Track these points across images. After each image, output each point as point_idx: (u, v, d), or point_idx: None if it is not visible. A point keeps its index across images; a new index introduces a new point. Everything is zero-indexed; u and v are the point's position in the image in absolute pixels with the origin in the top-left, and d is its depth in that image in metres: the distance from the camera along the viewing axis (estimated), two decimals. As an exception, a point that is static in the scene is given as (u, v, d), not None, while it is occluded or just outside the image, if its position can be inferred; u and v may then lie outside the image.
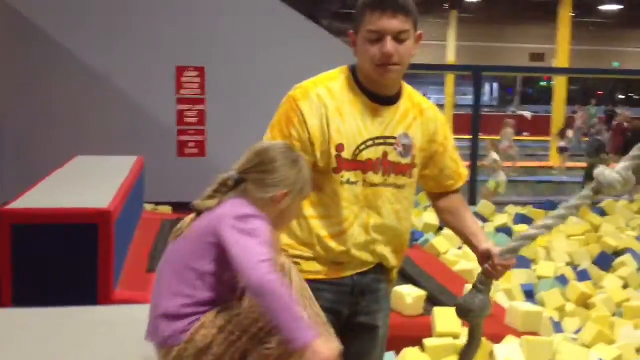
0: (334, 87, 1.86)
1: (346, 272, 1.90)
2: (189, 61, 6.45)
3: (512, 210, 6.83)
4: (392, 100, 1.89)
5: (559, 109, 15.66)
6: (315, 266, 1.88)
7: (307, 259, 1.88)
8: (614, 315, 4.55)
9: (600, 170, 1.88)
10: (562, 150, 14.08)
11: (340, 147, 1.82)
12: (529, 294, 4.89)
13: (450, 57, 22.25)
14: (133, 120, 6.40)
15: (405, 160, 1.90)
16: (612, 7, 21.34)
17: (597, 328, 4.03)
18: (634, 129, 11.05)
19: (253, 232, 1.55)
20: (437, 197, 2.07)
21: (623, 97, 26.79)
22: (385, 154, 1.87)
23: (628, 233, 6.24)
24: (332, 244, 1.87)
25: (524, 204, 7.44)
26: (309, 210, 1.86)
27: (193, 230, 1.63)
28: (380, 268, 1.97)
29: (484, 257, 1.94)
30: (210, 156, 6.51)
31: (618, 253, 5.71)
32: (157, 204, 6.14)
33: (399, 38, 1.80)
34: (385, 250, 1.94)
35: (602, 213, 7.04)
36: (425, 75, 24.80)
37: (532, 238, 2.00)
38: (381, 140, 1.86)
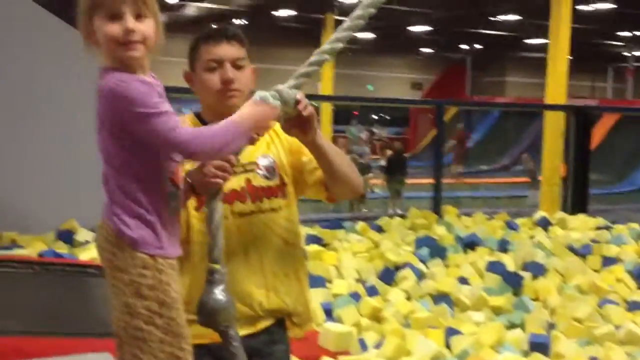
0: None
1: None
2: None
3: (302, 231, 7.09)
4: None
5: (326, 129, 16.62)
6: (196, 329, 1.66)
7: (190, 321, 1.63)
8: (402, 326, 4.96)
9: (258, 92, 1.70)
10: None
11: None
12: (328, 312, 5.13)
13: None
14: None
15: (273, 182, 1.89)
16: (366, 35, 23.18)
17: (395, 341, 4.35)
18: (396, 150, 12.09)
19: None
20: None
21: (376, 117, 29.16)
22: (248, 181, 1.86)
23: (405, 248, 6.78)
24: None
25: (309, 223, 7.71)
26: (185, 265, 1.74)
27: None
28: (278, 324, 1.88)
29: None
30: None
31: (399, 267, 6.18)
32: None
33: (236, 65, 1.84)
34: (276, 291, 1.85)
35: (380, 230, 7.60)
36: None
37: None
38: (241, 169, 1.84)
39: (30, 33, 6.17)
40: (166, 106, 1.45)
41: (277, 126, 1.90)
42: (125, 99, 1.42)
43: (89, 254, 5.26)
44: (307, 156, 1.91)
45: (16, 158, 6.03)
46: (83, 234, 5.94)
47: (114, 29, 1.44)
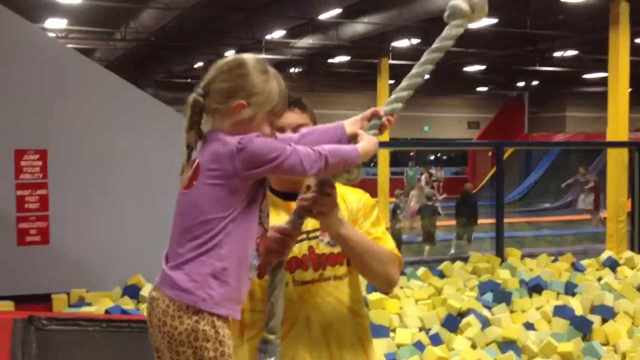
0: None
1: None
2: (29, 144, 6.12)
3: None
4: None
5: (384, 172, 16.58)
6: None
7: None
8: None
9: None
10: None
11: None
12: (392, 363, 5.09)
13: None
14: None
15: (337, 249, 1.83)
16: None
17: (462, 393, 4.28)
18: (463, 192, 11.98)
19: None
20: None
21: (433, 157, 29.04)
22: (311, 249, 1.82)
23: (467, 294, 6.66)
24: None
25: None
26: (247, 333, 1.78)
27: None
28: None
29: None
30: (54, 243, 6.14)
31: (462, 314, 6.08)
32: (-5, 299, 5.64)
33: (298, 131, 1.80)
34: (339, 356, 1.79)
35: (442, 275, 7.50)
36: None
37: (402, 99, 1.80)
38: (304, 236, 1.82)
39: (100, 97, 6.43)
40: (284, 146, 1.53)
41: (346, 191, 1.92)
42: (257, 151, 1.51)
43: (154, 309, 5.36)
44: (360, 229, 1.88)
45: (82, 216, 6.22)
46: (148, 289, 6.06)
47: (268, 132, 1.58)
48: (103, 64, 14.41)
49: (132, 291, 6.14)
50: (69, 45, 10.45)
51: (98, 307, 5.67)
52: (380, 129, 1.70)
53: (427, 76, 1.82)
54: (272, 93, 1.57)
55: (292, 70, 22.80)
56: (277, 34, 16.46)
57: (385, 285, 1.89)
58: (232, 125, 1.55)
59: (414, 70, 1.78)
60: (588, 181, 14.24)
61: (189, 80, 24.59)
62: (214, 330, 1.48)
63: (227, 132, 1.54)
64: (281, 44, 17.60)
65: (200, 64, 21.96)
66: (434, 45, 1.79)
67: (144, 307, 5.72)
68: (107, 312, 5.40)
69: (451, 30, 1.79)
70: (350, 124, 1.69)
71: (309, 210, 1.68)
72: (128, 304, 5.88)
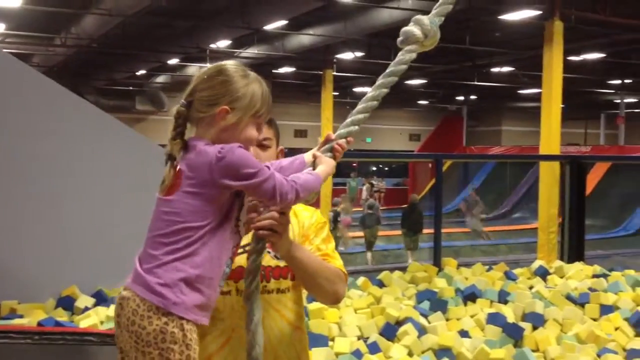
0: None
1: None
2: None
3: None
4: None
5: (327, 182, 16.70)
6: None
7: None
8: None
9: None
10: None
11: None
12: (330, 372, 5.12)
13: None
14: None
15: (283, 262, 1.85)
16: (364, 89, 23.55)
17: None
18: (410, 202, 12.17)
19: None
20: None
21: (374, 168, 29.36)
22: None
23: (406, 302, 6.76)
24: None
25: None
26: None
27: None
28: None
29: None
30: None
31: (400, 322, 6.18)
32: None
33: (261, 144, 1.88)
34: None
35: (381, 284, 7.59)
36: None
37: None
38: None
39: (37, 104, 6.23)
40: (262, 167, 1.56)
41: (298, 208, 1.96)
42: (237, 162, 1.54)
43: (89, 321, 5.28)
44: (311, 245, 1.92)
45: (14, 225, 6.02)
46: (83, 301, 5.95)
47: (255, 134, 1.64)
48: (41, 70, 14.09)
49: (66, 303, 5.96)
50: (6, 50, 10.19)
51: (30, 319, 5.50)
52: (333, 151, 1.74)
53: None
54: (254, 96, 1.62)
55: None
56: (222, 44, 16.44)
57: (332, 302, 1.94)
58: (218, 132, 1.58)
59: (369, 94, 1.83)
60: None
61: (131, 87, 24.27)
62: (182, 333, 1.50)
63: (211, 140, 1.58)
64: (226, 53, 17.57)
65: (142, 71, 21.67)
66: (388, 70, 1.83)
67: (78, 319, 5.60)
68: (39, 324, 5.27)
69: (404, 56, 1.83)
70: (309, 156, 1.74)
71: (268, 230, 1.68)
72: (62, 315, 5.73)
